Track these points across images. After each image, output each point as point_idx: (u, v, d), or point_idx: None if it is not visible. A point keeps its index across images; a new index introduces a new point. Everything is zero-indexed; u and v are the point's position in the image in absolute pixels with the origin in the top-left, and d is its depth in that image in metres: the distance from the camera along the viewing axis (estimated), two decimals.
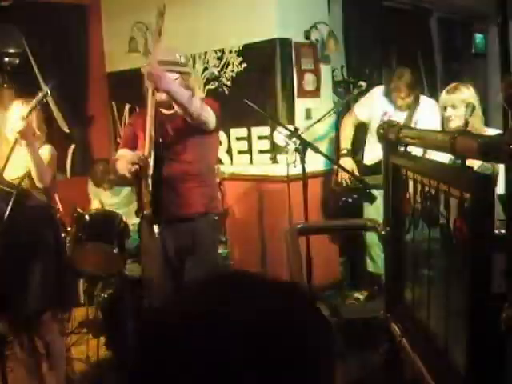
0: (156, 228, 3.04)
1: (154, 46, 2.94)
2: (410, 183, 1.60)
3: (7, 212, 2.91)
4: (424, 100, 4.42)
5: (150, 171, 3.07)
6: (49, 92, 3.05)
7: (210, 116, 3.19)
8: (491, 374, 1.12)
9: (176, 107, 3.15)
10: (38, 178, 3.09)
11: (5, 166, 3.02)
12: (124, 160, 3.26)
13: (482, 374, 1.13)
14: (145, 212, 3.06)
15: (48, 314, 3.23)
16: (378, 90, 4.60)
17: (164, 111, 3.30)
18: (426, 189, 1.42)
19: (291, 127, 4.25)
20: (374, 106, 4.48)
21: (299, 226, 2.10)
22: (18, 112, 3.05)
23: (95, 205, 4.80)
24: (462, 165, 1.17)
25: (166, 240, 3.29)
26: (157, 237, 3.26)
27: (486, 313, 1.09)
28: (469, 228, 1.13)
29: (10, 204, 2.92)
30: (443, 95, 3.30)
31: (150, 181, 3.08)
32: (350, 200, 4.47)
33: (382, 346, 1.78)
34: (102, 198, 4.73)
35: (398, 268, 1.77)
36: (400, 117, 4.24)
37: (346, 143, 4.57)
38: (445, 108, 3.25)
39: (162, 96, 3.19)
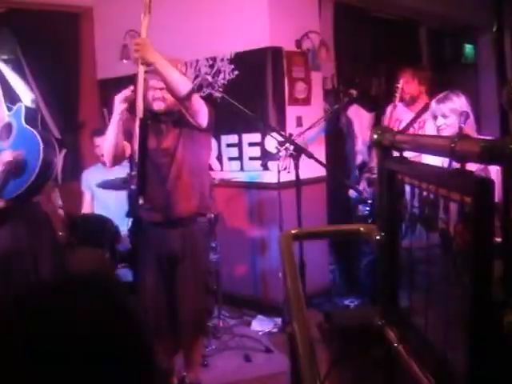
0: (141, 200, 3.00)
1: (143, 19, 2.97)
2: (407, 188, 1.60)
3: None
4: None
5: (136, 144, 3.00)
6: None
7: (203, 107, 3.16)
8: (492, 380, 1.12)
9: (168, 89, 3.09)
10: None
11: None
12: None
13: (483, 380, 1.13)
14: (132, 186, 3.01)
15: None
16: (388, 108, 4.67)
17: (160, 114, 3.29)
18: (425, 193, 1.42)
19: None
20: (390, 122, 4.54)
21: (294, 230, 2.10)
22: None
23: (87, 198, 4.76)
24: (462, 169, 1.18)
25: (158, 244, 3.28)
26: (149, 242, 3.25)
27: (488, 319, 1.09)
28: (470, 232, 1.13)
29: None
30: (433, 104, 3.25)
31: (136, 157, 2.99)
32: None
33: (378, 352, 1.78)
34: (94, 189, 4.66)
35: (393, 273, 1.77)
36: (409, 117, 4.32)
37: None
38: (435, 117, 3.23)
39: (161, 106, 3.23)
